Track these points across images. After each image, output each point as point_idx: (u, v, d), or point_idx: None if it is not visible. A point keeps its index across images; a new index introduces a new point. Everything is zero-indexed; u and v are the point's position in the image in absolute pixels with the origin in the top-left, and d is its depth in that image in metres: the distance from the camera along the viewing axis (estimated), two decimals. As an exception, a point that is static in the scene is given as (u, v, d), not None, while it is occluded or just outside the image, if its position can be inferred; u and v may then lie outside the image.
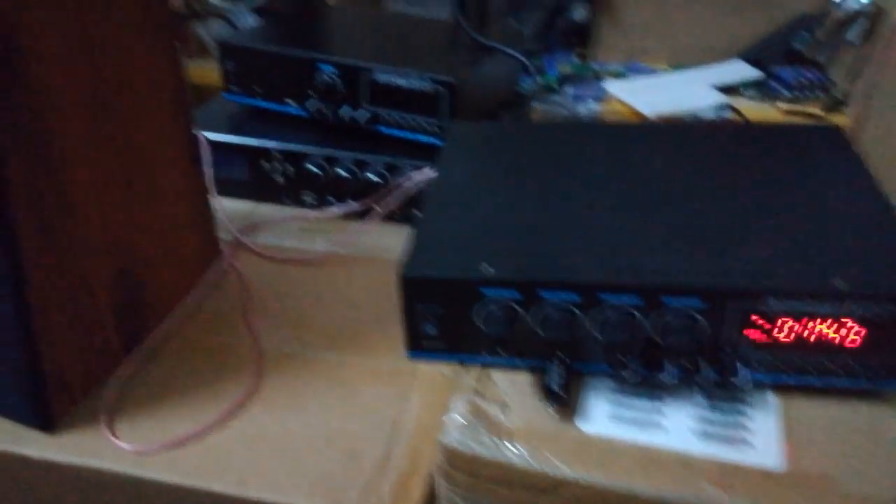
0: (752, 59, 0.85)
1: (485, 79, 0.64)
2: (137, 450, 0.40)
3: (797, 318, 0.33)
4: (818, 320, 0.33)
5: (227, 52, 0.66)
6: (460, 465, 0.35)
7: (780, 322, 0.34)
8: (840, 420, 0.35)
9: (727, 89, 0.82)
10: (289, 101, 0.65)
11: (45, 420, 0.41)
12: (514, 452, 0.34)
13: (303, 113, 0.65)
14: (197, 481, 0.39)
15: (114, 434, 0.41)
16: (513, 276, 0.35)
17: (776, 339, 0.34)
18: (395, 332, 0.42)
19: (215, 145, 0.63)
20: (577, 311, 0.35)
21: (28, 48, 0.36)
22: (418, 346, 0.39)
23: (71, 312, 0.42)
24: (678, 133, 0.50)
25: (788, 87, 0.80)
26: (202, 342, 0.49)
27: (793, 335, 0.34)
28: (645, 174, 0.44)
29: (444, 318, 0.37)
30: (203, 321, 0.51)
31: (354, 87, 0.62)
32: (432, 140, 0.61)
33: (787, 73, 0.81)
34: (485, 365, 0.39)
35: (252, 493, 0.38)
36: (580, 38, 0.94)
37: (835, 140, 0.47)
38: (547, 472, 0.33)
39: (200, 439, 0.41)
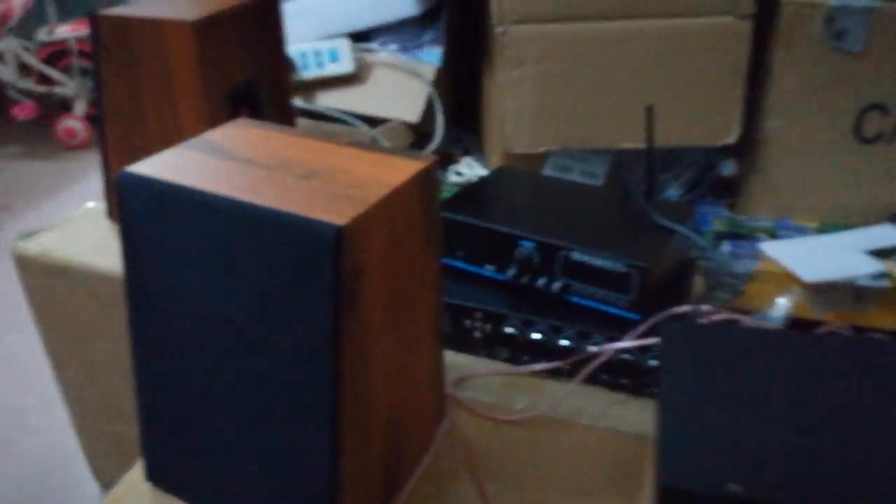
0: (902, 223, 0.90)
1: (668, 256, 0.72)
2: None
3: None
4: None
5: (438, 221, 0.76)
6: None
7: None
8: None
9: (880, 253, 0.87)
10: (488, 266, 0.75)
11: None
12: None
13: (501, 277, 0.74)
14: None
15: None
16: (762, 496, 0.42)
17: None
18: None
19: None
20: (820, 539, 0.41)
21: (365, 277, 0.46)
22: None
23: (359, 471, 0.50)
24: (879, 351, 0.56)
25: (943, 256, 0.84)
26: (441, 498, 0.57)
27: None
28: (857, 394, 0.50)
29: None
30: (439, 477, 0.59)
31: (551, 261, 0.71)
32: (621, 312, 0.69)
33: (940, 241, 0.85)
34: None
35: None
36: (728, 191, 1.01)
37: None
38: None
39: None
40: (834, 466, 0.45)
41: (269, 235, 0.46)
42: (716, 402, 0.50)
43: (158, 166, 0.51)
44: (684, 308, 0.65)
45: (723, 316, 0.63)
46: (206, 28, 0.79)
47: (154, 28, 0.77)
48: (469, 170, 1.09)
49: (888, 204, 0.92)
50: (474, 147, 1.20)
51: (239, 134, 0.57)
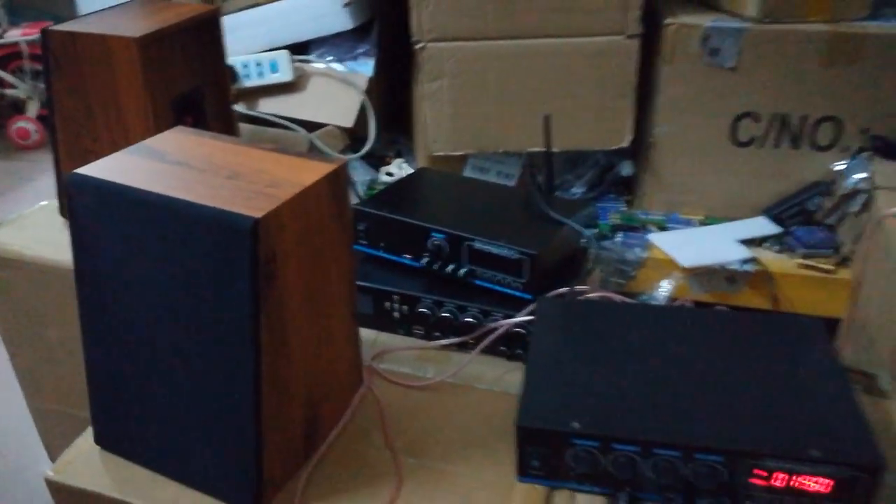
0: (773, 216, 1.03)
1: (556, 245, 0.83)
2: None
3: (787, 473, 0.50)
4: (802, 475, 0.50)
5: (360, 216, 0.86)
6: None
7: (775, 474, 0.50)
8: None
9: (752, 241, 1.00)
10: (405, 255, 0.85)
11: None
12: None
13: (416, 265, 0.84)
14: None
15: (304, 523, 0.59)
16: (594, 431, 0.53)
17: (772, 486, 0.51)
18: (498, 451, 0.59)
19: (351, 291, 0.82)
20: (637, 459, 0.52)
21: (280, 260, 0.56)
22: (526, 472, 0.56)
23: (281, 428, 0.60)
24: (708, 318, 0.68)
25: (803, 244, 0.98)
26: (356, 452, 0.66)
27: (784, 483, 0.50)
28: (682, 352, 0.62)
29: (545, 456, 0.54)
30: (354, 434, 0.68)
31: (458, 250, 0.81)
32: (516, 293, 0.80)
33: (801, 231, 0.99)
34: (572, 490, 0.56)
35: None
36: (627, 189, 1.13)
37: (814, 330, 0.64)
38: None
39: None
40: (658, 408, 0.56)
41: (198, 227, 0.55)
42: (571, 361, 0.61)
43: (104, 168, 0.60)
44: (564, 289, 0.76)
45: (596, 294, 0.75)
46: (150, 43, 0.87)
47: (101, 43, 0.86)
48: (399, 170, 1.19)
49: (761, 199, 1.05)
50: (406, 149, 1.30)
51: (176, 140, 0.66)
